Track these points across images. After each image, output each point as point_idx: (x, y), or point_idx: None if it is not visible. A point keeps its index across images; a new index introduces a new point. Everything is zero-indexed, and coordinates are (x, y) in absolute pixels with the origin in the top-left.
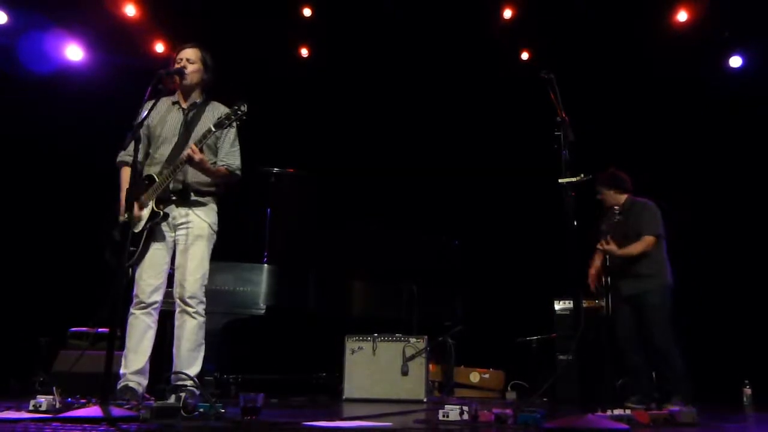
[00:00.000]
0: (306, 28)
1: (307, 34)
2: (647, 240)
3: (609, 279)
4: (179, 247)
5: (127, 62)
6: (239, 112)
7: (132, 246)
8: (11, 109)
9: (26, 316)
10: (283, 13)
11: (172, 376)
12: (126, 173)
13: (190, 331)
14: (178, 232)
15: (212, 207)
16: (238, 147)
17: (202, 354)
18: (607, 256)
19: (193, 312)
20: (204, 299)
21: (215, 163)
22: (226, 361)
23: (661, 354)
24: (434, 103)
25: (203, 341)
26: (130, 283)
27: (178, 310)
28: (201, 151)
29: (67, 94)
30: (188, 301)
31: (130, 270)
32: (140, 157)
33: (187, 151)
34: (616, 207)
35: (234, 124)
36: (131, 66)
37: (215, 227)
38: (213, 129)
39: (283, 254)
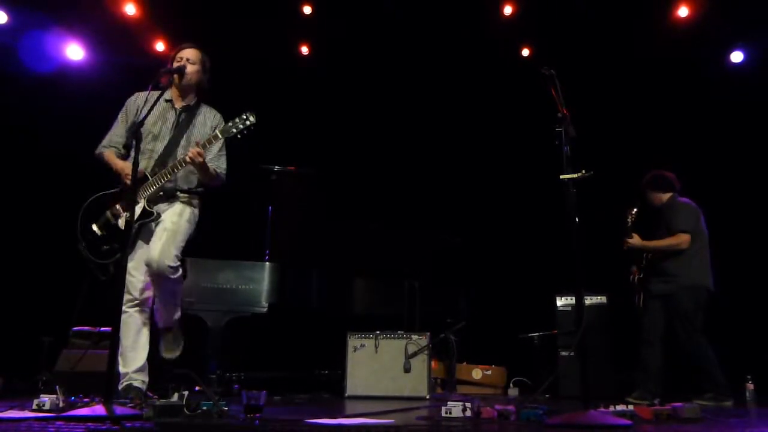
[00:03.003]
0: (306, 26)
1: (307, 31)
2: (678, 237)
3: (642, 275)
4: (156, 229)
5: (127, 61)
6: (247, 122)
7: (117, 243)
8: (12, 108)
9: (29, 316)
10: (283, 10)
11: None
12: (110, 155)
13: (165, 285)
14: (159, 221)
15: (196, 204)
16: (225, 153)
17: (180, 300)
18: (645, 254)
19: (167, 275)
20: (176, 264)
21: None
22: (229, 359)
23: (689, 355)
24: (435, 100)
25: (180, 287)
26: (116, 281)
27: (152, 279)
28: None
29: (68, 93)
30: (163, 273)
31: (111, 267)
32: (123, 150)
33: (191, 154)
34: (633, 210)
35: (240, 135)
36: (132, 65)
37: (197, 217)
38: (220, 136)
39: (285, 252)
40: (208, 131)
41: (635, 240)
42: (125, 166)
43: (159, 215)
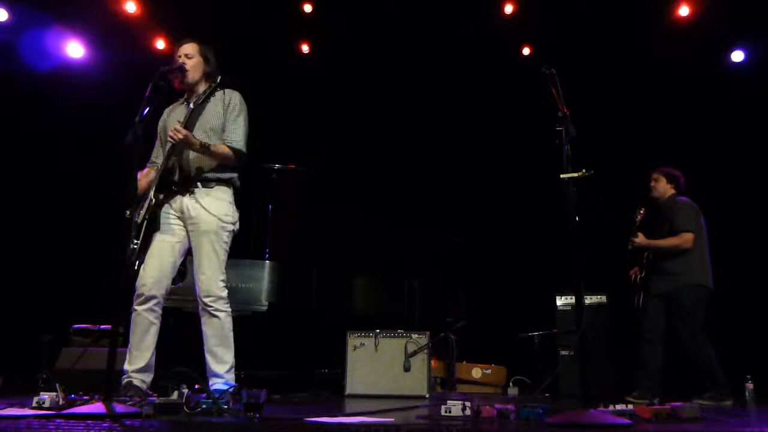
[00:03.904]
0: (307, 24)
1: (308, 30)
2: (682, 236)
3: (643, 274)
4: (192, 244)
5: (128, 59)
6: (212, 85)
7: (135, 239)
8: (12, 106)
9: (29, 314)
10: (283, 9)
11: (209, 379)
12: (147, 171)
13: (213, 327)
14: (189, 228)
15: (222, 197)
16: (243, 125)
17: (231, 349)
18: (646, 254)
19: (212, 310)
20: (222, 294)
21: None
22: None
23: (689, 354)
24: (436, 99)
25: (230, 335)
26: (128, 278)
27: (200, 307)
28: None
29: (68, 91)
30: (204, 300)
31: (136, 264)
32: (154, 157)
33: (170, 133)
34: (641, 210)
35: (211, 96)
36: (132, 63)
37: (228, 218)
38: (192, 106)
39: (285, 251)
40: (220, 111)
41: (641, 239)
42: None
43: (162, 202)
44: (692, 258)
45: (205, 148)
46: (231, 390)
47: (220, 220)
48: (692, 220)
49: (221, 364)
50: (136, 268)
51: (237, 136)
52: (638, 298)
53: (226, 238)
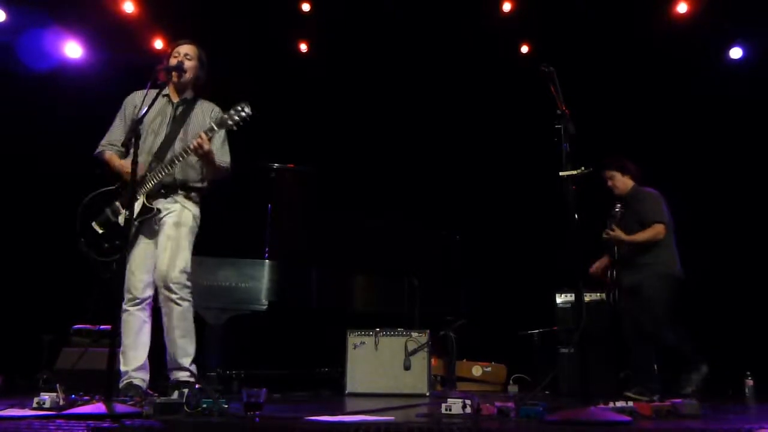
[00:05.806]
0: (305, 24)
1: (306, 29)
2: (656, 228)
3: (615, 272)
4: (160, 237)
5: (126, 59)
6: (243, 114)
7: (118, 241)
8: (10, 107)
9: (29, 314)
10: (282, 8)
11: (170, 372)
12: (110, 155)
13: (177, 318)
14: (161, 222)
15: (197, 201)
16: (228, 145)
17: (194, 340)
18: (616, 249)
19: (177, 298)
20: (188, 283)
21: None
22: (229, 357)
23: (653, 342)
24: (435, 97)
25: (193, 325)
26: (119, 277)
27: (162, 298)
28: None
29: (67, 91)
30: (171, 286)
31: (114, 264)
32: (122, 148)
33: (196, 142)
34: (618, 204)
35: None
36: (130, 63)
37: (198, 220)
38: (215, 128)
39: (285, 250)
40: (206, 122)
41: (618, 233)
42: (124, 164)
43: (159, 211)
44: (661, 248)
45: (211, 161)
46: (195, 386)
47: (195, 217)
48: (660, 209)
49: (186, 356)
50: (115, 268)
51: (227, 157)
52: (612, 295)
53: (193, 236)
